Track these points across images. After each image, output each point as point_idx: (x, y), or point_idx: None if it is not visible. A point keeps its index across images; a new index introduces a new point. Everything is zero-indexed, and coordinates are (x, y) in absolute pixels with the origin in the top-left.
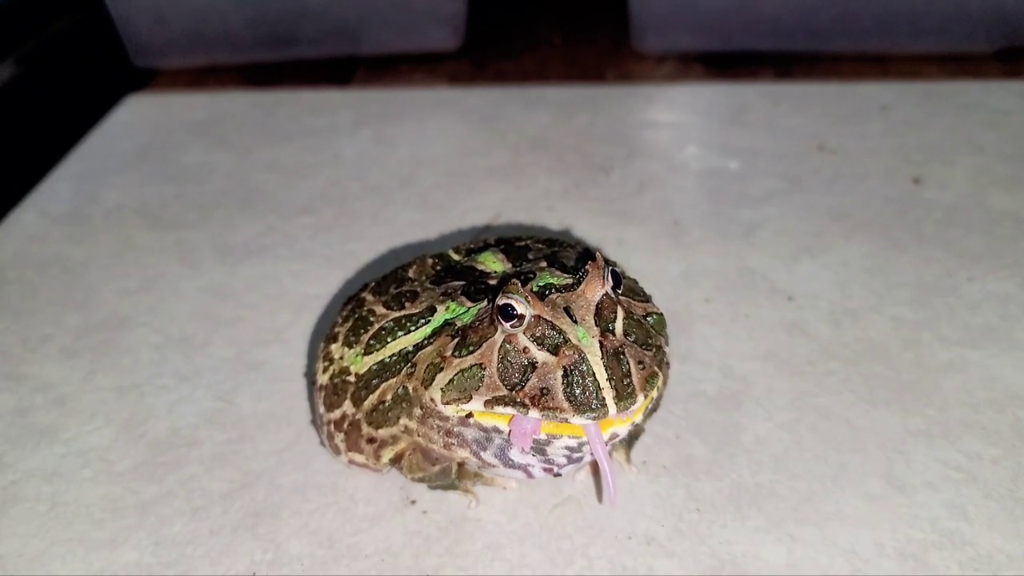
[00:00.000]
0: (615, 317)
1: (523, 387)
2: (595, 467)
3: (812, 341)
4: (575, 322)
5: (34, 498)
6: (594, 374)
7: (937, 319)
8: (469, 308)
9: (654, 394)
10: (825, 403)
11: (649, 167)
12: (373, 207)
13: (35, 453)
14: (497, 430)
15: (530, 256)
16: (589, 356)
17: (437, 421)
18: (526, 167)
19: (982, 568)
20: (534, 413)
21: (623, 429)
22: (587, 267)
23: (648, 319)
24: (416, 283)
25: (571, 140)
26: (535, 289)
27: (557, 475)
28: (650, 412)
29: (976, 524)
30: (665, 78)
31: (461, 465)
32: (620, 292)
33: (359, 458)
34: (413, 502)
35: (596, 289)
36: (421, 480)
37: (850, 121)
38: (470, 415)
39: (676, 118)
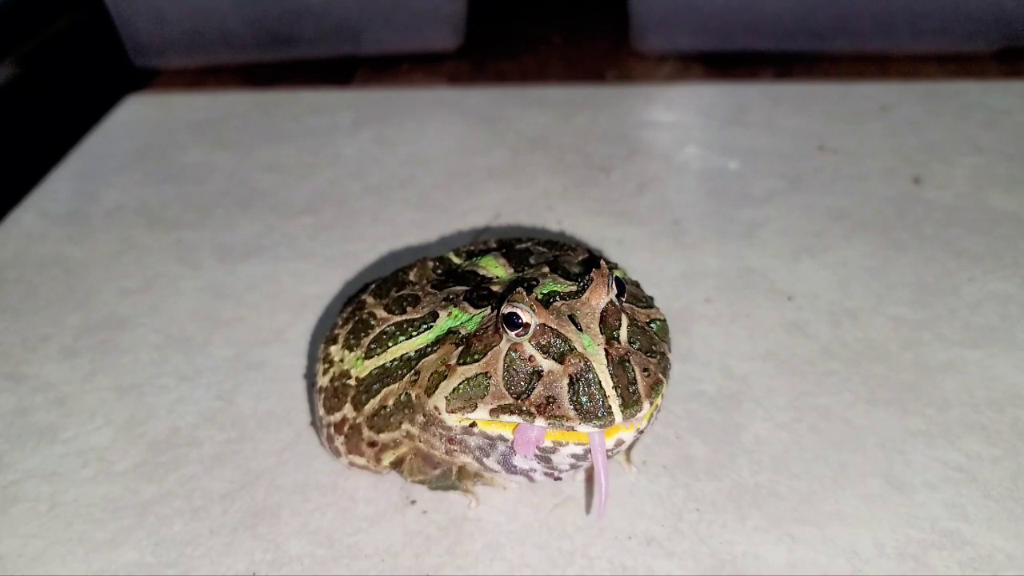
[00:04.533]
0: (619, 325)
1: (529, 395)
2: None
3: (812, 341)
4: (580, 330)
5: (34, 498)
6: (600, 382)
7: (937, 319)
8: (472, 315)
9: (659, 401)
10: (825, 403)
11: (649, 167)
12: (373, 207)
13: (35, 453)
14: (502, 438)
15: (532, 260)
16: (595, 364)
17: (440, 428)
18: (526, 167)
19: (982, 568)
20: (540, 421)
21: (629, 436)
22: (591, 275)
23: (651, 325)
24: (417, 287)
25: (571, 140)
26: (539, 297)
27: (558, 479)
28: None
29: (976, 524)
30: (665, 78)
31: (462, 466)
32: (624, 299)
33: (359, 460)
34: (413, 502)
35: (600, 297)
36: (421, 482)
37: (850, 121)
38: (473, 424)
39: (676, 118)
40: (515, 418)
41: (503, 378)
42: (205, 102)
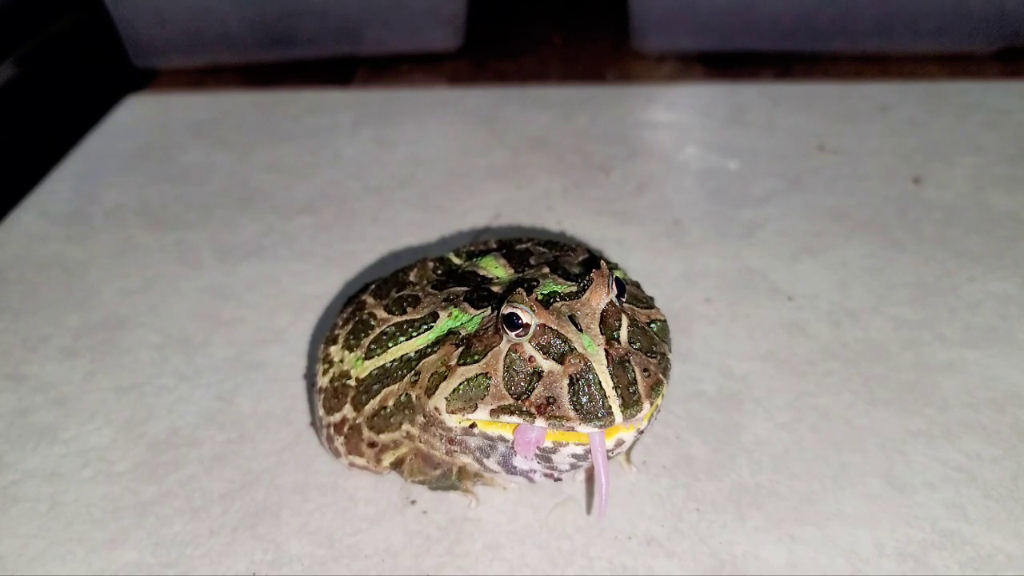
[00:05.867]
0: (620, 325)
1: (529, 396)
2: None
3: (812, 341)
4: (580, 331)
5: (34, 498)
6: (600, 382)
7: (937, 319)
8: (472, 316)
9: (659, 402)
10: (825, 403)
11: (649, 167)
12: (373, 207)
13: (35, 453)
14: (502, 439)
15: (532, 261)
16: (595, 364)
17: (440, 429)
18: (526, 167)
19: (982, 568)
20: (540, 422)
21: (629, 436)
22: (591, 275)
23: (652, 326)
24: (417, 287)
25: (571, 140)
26: (539, 297)
27: (558, 479)
28: None
29: (976, 524)
30: (665, 78)
31: (462, 467)
32: (624, 300)
33: (359, 461)
34: (413, 502)
35: (601, 297)
36: (421, 483)
37: (850, 121)
38: (473, 424)
39: (676, 118)
40: (515, 418)
41: (503, 379)
42: (205, 102)
